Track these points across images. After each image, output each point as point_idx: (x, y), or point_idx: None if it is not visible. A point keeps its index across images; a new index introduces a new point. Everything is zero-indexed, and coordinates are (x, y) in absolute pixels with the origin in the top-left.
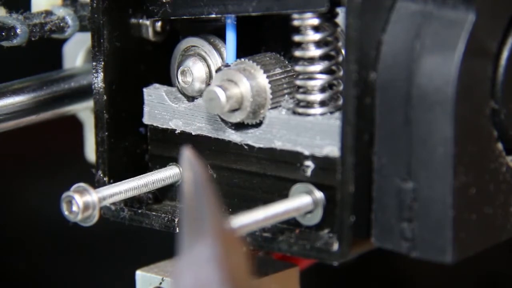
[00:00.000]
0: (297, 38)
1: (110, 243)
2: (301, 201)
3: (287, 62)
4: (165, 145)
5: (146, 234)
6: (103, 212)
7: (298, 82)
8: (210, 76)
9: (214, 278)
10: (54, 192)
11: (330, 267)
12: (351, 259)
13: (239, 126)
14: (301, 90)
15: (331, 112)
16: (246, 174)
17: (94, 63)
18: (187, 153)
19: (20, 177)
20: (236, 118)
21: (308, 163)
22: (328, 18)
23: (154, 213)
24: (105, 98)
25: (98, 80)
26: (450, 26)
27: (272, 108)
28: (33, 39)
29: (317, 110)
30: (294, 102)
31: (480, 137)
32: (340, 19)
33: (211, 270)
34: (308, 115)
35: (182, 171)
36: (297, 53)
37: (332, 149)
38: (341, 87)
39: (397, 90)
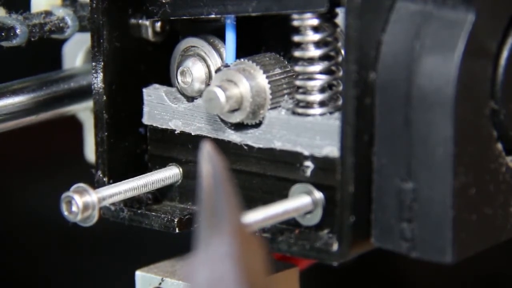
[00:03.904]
0: (296, 38)
1: (110, 243)
2: (301, 201)
3: (286, 63)
4: (164, 145)
5: (146, 234)
6: (102, 213)
7: (298, 83)
8: (209, 77)
9: (230, 275)
10: (54, 192)
11: (329, 268)
12: (350, 260)
13: (239, 126)
14: (300, 90)
15: (331, 113)
16: (245, 174)
17: (93, 64)
18: (206, 147)
19: (20, 177)
20: (236, 118)
21: (308, 163)
22: (327, 18)
23: (153, 213)
24: (105, 98)
25: (98, 81)
26: (450, 26)
27: (271, 109)
28: (32, 39)
29: (317, 110)
30: (293, 103)
31: (480, 137)
32: (340, 19)
33: (227, 266)
34: (308, 115)
35: (200, 164)
36: (297, 53)
37: (331, 150)
38: (340, 88)
39: (397, 90)
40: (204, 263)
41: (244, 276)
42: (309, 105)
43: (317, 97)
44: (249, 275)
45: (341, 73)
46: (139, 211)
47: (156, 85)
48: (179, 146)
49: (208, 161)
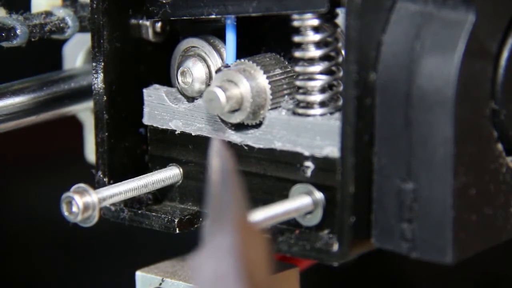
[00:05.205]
0: (297, 38)
1: (110, 243)
2: (301, 201)
3: (287, 63)
4: (165, 146)
5: (146, 234)
6: (103, 213)
7: (298, 83)
8: (210, 77)
9: (233, 272)
10: (54, 193)
11: (330, 268)
12: (351, 260)
13: (239, 127)
14: (301, 90)
15: (331, 113)
16: (246, 175)
17: (94, 64)
18: (216, 142)
19: (20, 177)
20: (236, 118)
21: (308, 163)
22: (328, 18)
23: (154, 213)
24: (105, 98)
25: (98, 81)
26: (450, 27)
27: (272, 109)
28: (33, 39)
29: (317, 110)
30: (294, 103)
31: (480, 137)
32: (340, 20)
33: (231, 263)
34: (308, 115)
35: (210, 158)
36: (297, 53)
37: (332, 150)
38: (341, 88)
39: (397, 91)
40: (209, 259)
41: (246, 273)
42: (309, 105)
43: (317, 97)
44: (251, 272)
45: (341, 74)
46: (139, 212)
47: (157, 86)
48: (179, 147)
49: (217, 157)
